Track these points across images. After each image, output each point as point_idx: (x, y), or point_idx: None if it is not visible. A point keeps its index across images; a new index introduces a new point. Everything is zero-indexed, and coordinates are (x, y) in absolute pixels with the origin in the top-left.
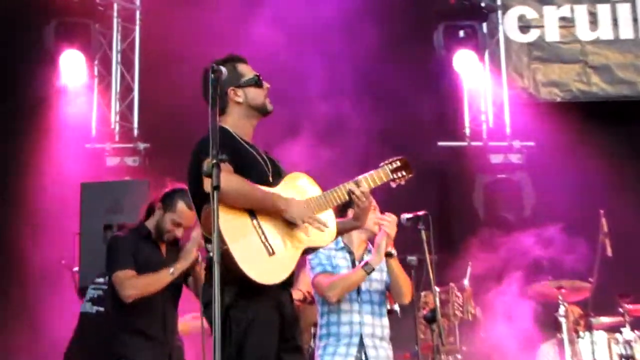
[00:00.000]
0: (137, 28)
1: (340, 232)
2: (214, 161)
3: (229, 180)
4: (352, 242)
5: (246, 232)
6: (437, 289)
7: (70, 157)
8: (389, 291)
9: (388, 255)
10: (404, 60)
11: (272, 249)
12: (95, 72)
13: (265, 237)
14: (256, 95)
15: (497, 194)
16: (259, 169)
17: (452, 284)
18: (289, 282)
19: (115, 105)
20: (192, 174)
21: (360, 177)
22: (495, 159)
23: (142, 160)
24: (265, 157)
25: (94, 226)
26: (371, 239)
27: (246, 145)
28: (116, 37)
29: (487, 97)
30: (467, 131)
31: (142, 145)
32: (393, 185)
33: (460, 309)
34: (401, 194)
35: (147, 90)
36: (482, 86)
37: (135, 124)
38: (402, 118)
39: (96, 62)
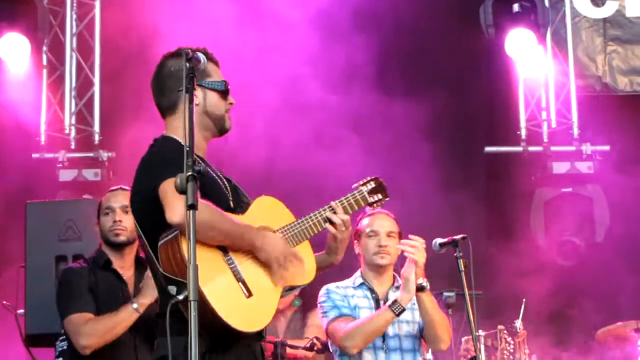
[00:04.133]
0: (98, 4)
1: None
2: (189, 173)
3: (202, 207)
4: (370, 278)
5: (218, 270)
6: (482, 332)
7: (13, 169)
8: (423, 336)
9: (419, 289)
10: (441, 43)
11: (249, 290)
12: (44, 62)
13: (240, 276)
14: (218, 103)
15: (562, 213)
16: (220, 193)
17: (500, 327)
18: (263, 331)
19: (70, 104)
20: (140, 197)
21: (335, 202)
22: (560, 168)
23: (105, 173)
24: (223, 178)
25: (44, 257)
26: (396, 272)
27: (202, 163)
28: (70, 15)
29: (549, 89)
30: (523, 133)
31: (105, 155)
32: (370, 210)
33: (512, 357)
34: (438, 214)
35: (112, 84)
36: (543, 75)
37: (97, 128)
38: (439, 117)
39: (45, 48)
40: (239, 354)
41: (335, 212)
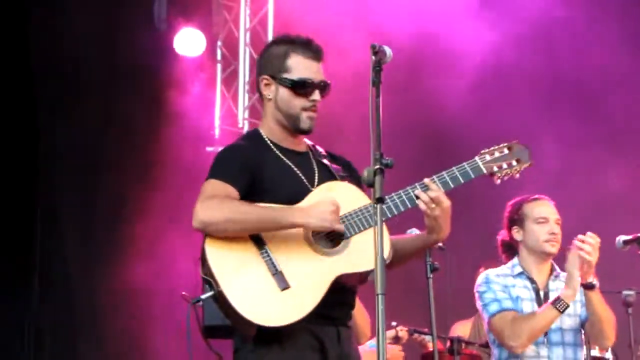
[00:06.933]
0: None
1: (410, 252)
2: (377, 166)
3: (207, 207)
4: (529, 267)
5: (248, 266)
6: None
7: (187, 163)
8: (584, 329)
9: (588, 287)
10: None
11: (286, 282)
12: (219, 56)
13: (277, 269)
14: (290, 101)
15: None
16: (290, 188)
17: None
18: (341, 315)
19: (243, 99)
20: None
21: (430, 179)
22: None
23: None
24: (314, 167)
25: None
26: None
27: (280, 156)
28: (244, 11)
29: None
30: None
31: None
32: (497, 181)
33: None
34: (608, 204)
35: None
36: None
37: None
38: (607, 111)
39: (219, 43)
40: (287, 346)
41: (427, 189)
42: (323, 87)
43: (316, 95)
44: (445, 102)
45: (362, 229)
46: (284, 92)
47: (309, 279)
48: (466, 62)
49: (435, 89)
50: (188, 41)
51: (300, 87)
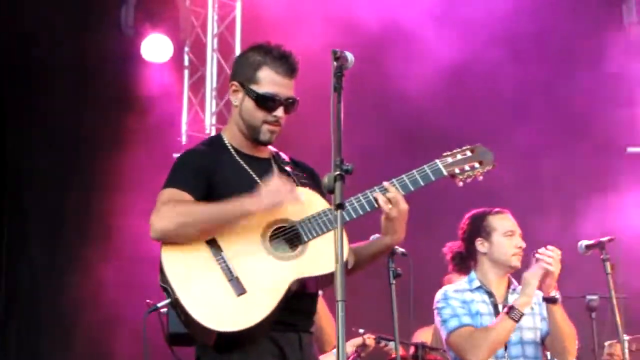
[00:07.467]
0: (239, 4)
1: (368, 256)
2: (337, 172)
3: (162, 217)
4: (488, 280)
5: (204, 272)
6: (626, 337)
7: (154, 169)
8: (544, 343)
9: (551, 300)
10: (584, 42)
11: (242, 287)
12: (186, 62)
13: (233, 275)
14: (253, 112)
15: None
16: (247, 194)
17: None
18: (302, 322)
19: (210, 105)
20: None
21: (390, 181)
22: None
23: None
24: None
25: None
26: (510, 274)
27: (239, 161)
28: (212, 16)
29: None
30: None
31: None
32: (459, 183)
33: None
34: (579, 216)
35: None
36: None
37: None
38: (573, 116)
39: (187, 49)
40: (248, 348)
41: (386, 192)
42: (289, 104)
43: (280, 111)
44: (414, 99)
45: (319, 233)
46: (249, 103)
47: (265, 283)
48: (436, 59)
49: (404, 87)
50: (155, 47)
51: (265, 102)
